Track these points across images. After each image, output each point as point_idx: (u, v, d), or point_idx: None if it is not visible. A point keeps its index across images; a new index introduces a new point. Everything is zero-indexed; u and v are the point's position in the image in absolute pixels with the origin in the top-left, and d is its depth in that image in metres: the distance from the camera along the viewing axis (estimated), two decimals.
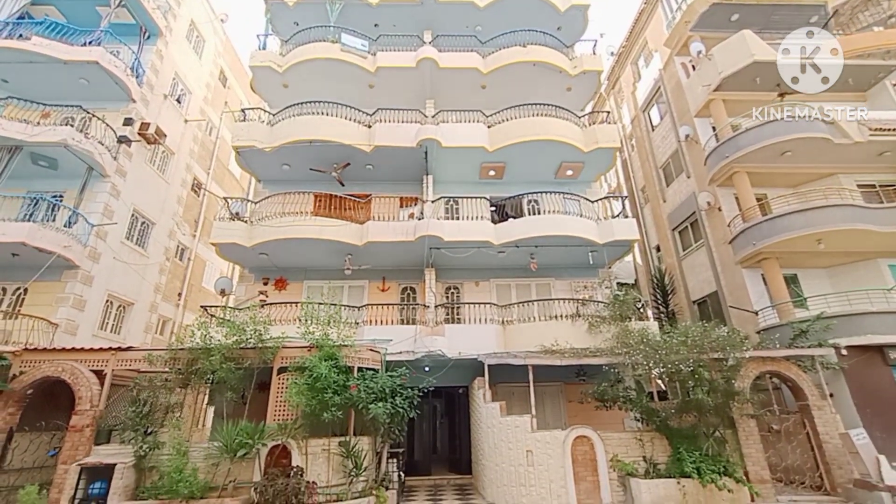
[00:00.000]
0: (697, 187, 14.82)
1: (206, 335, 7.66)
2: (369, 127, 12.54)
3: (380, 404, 7.34)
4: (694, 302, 15.25)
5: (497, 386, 10.51)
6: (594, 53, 14.20)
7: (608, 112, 13.80)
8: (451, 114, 13.04)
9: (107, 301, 12.14)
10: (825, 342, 10.05)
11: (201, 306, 10.72)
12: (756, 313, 12.31)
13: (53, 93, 12.47)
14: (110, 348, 8.25)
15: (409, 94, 13.96)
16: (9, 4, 13.52)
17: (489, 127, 12.74)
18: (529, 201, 13.11)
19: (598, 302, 11.05)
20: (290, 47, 14.06)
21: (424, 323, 10.50)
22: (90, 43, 12.62)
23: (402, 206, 12.79)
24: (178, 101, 15.87)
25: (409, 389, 8.27)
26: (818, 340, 10.14)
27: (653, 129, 17.98)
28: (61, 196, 12.06)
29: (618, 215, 12.46)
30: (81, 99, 12.57)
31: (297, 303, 10.21)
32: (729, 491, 6.96)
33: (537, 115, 12.53)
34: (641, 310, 11.01)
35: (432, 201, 11.90)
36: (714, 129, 14.35)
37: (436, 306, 11.01)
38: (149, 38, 14.56)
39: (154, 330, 14.27)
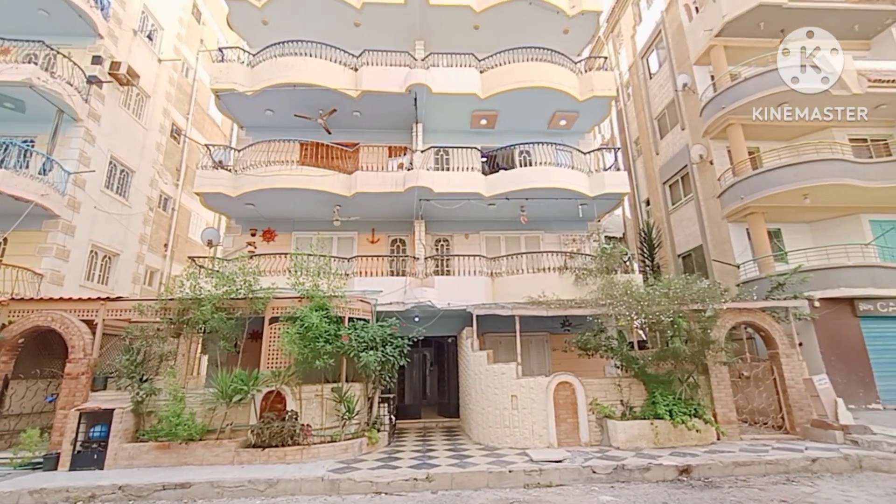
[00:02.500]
0: (691, 140, 14.65)
1: (195, 286, 7.67)
2: (356, 70, 11.91)
3: (371, 353, 7.57)
4: (679, 256, 15.57)
5: (485, 336, 10.85)
6: None
7: (605, 58, 13.20)
8: (442, 57, 12.38)
9: (91, 251, 11.96)
10: (800, 294, 10.44)
11: (189, 257, 10.62)
12: (738, 267, 12.66)
13: (9, 26, 11.49)
14: (99, 298, 8.24)
15: (398, 34, 13.14)
16: None
17: (482, 72, 12.18)
18: (521, 153, 12.88)
19: (586, 255, 11.20)
20: None
21: (414, 275, 10.60)
22: None
23: (391, 156, 12.48)
24: (150, 37, 14.80)
25: (400, 339, 8.51)
26: (794, 293, 10.53)
27: (650, 78, 17.41)
28: (32, 141, 11.48)
29: (609, 168, 12.35)
30: (43, 33, 11.61)
31: (286, 254, 10.15)
32: (697, 431, 7.48)
33: (532, 59, 11.96)
34: (628, 263, 11.21)
35: (422, 151, 11.60)
36: (713, 77, 13.96)
37: (425, 258, 11.07)
38: None
39: (142, 280, 14.22)
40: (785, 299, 9.92)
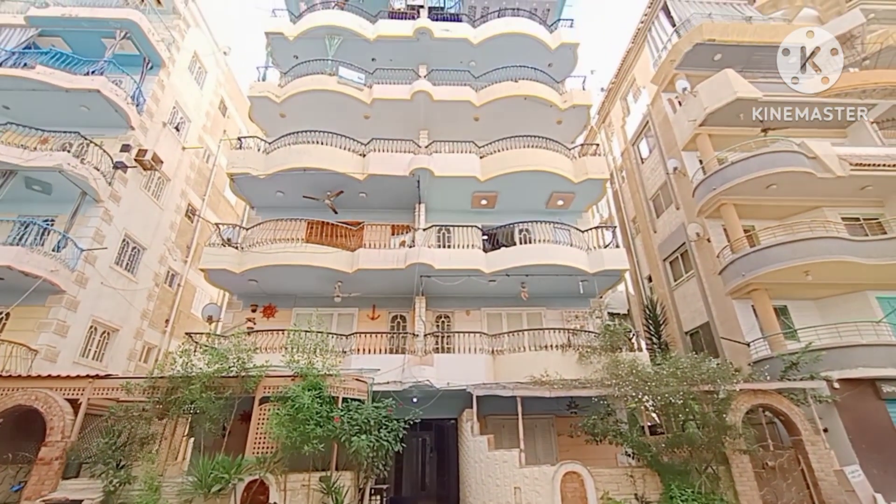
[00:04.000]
0: (686, 218, 15.04)
1: (187, 362, 7.51)
2: (363, 156, 12.76)
3: (363, 437, 7.13)
4: (686, 333, 15.18)
5: (486, 418, 10.28)
6: (584, 89, 14.69)
7: (597, 144, 14.16)
8: (444, 144, 13.31)
9: (91, 327, 11.94)
10: (816, 375, 9.96)
11: (186, 333, 10.54)
12: (748, 345, 12.25)
13: (54, 119, 12.64)
14: (87, 376, 8.05)
15: (404, 126, 14.28)
16: (17, 35, 13.96)
17: (481, 157, 12.99)
18: (521, 230, 13.21)
19: (589, 332, 10.97)
20: (289, 79, 14.47)
21: (413, 352, 10.35)
22: (93, 72, 12.95)
23: (393, 234, 12.87)
24: (177, 128, 16.15)
25: (396, 422, 8.07)
26: (809, 373, 10.05)
27: (642, 162, 18.40)
28: (53, 220, 12.05)
29: (608, 245, 12.57)
30: (81, 125, 12.70)
31: (283, 330, 10.04)
32: None
33: (529, 146, 12.82)
34: (633, 340, 10.93)
35: (424, 229, 11.98)
36: (701, 162, 14.70)
37: (425, 335, 10.88)
38: (151, 68, 14.95)
39: (138, 357, 13.97)
40: (801, 380, 9.45)
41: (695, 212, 14.50)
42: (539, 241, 11.88)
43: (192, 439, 9.98)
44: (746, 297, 12.92)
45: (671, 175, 15.88)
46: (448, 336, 11.52)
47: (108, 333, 12.76)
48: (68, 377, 8.09)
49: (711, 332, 13.85)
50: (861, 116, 14.70)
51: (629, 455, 8.42)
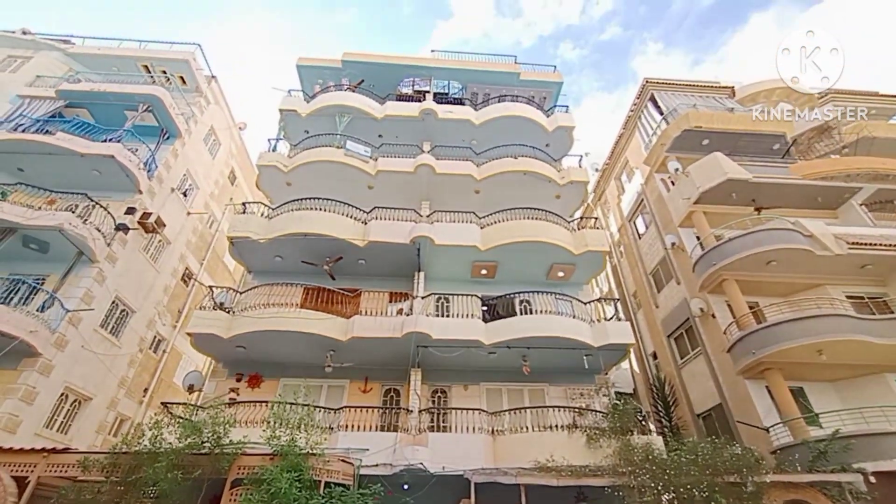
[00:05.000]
0: (688, 293, 14.83)
1: (157, 436, 6.79)
2: (364, 223, 12.88)
3: None
4: (698, 415, 14.21)
5: None
6: (580, 166, 15.32)
7: (596, 218, 14.43)
8: (445, 214, 13.51)
9: (62, 395, 11.13)
10: (849, 466, 9.08)
11: (162, 403, 9.75)
12: (767, 430, 11.36)
13: (64, 182, 12.89)
14: (43, 449, 7.24)
15: (407, 197, 14.63)
16: (45, 106, 14.84)
17: (482, 227, 13.11)
18: (521, 301, 12.93)
19: (597, 412, 10.21)
20: (298, 151, 15.13)
21: (406, 430, 9.51)
22: (110, 140, 13.54)
23: (391, 302, 12.54)
24: (185, 194, 16.54)
25: None
26: (840, 464, 9.17)
27: (639, 238, 18.64)
28: (43, 279, 11.80)
29: (611, 318, 12.20)
30: (90, 188, 12.95)
31: (266, 402, 9.26)
32: None
33: (529, 217, 13.01)
34: (643, 422, 10.13)
35: (422, 297, 11.70)
36: (698, 238, 14.85)
37: (420, 411, 10.10)
38: (168, 138, 15.70)
39: (108, 430, 12.86)
40: (833, 471, 8.57)
41: (696, 287, 14.33)
42: (540, 311, 11.55)
43: None
44: (760, 378, 12.26)
45: (669, 250, 15.97)
46: (444, 413, 10.70)
47: (80, 402, 11.86)
48: (20, 450, 7.26)
49: (725, 415, 12.95)
50: (850, 199, 15.19)
51: None
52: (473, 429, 9.89)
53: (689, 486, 6.89)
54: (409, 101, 16.98)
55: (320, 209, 12.79)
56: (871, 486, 9.22)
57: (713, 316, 13.69)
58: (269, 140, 15.37)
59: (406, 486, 8.73)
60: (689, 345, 15.03)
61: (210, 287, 11.60)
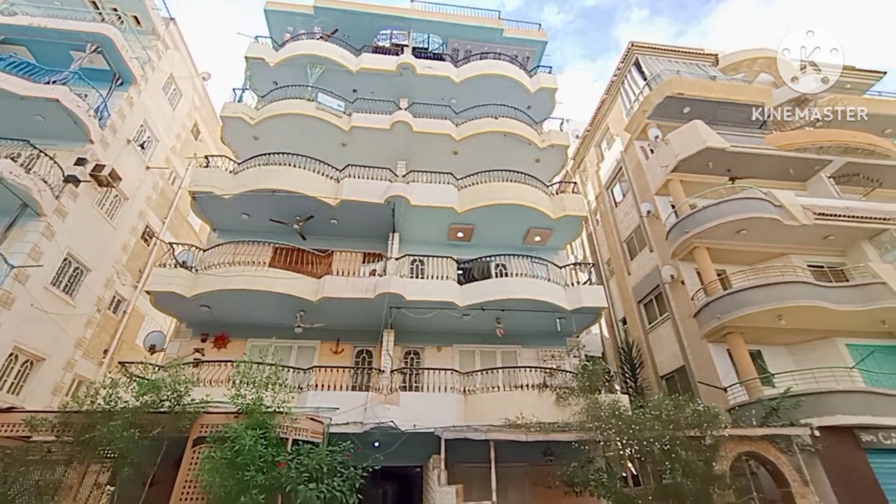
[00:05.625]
0: (661, 261, 15.08)
1: (111, 394, 6.44)
2: (337, 181, 12.33)
3: (312, 486, 6.12)
4: (662, 377, 14.79)
5: (455, 466, 9.28)
6: (561, 130, 15.00)
7: (575, 182, 14.27)
8: (422, 174, 13.08)
9: (11, 354, 10.51)
10: (797, 422, 9.62)
11: (119, 363, 9.31)
12: (725, 390, 11.91)
13: (2, 127, 11.68)
14: None
15: (382, 155, 14.03)
16: None
17: (459, 189, 12.77)
18: (497, 265, 12.84)
19: (567, 372, 10.39)
20: (266, 103, 14.19)
21: (378, 389, 9.46)
22: (54, 82, 12.27)
23: (364, 263, 12.23)
24: (142, 146, 15.41)
25: (353, 469, 7.08)
26: (790, 419, 9.71)
27: (616, 206, 18.71)
28: None
29: (585, 283, 12.30)
30: (33, 135, 11.80)
31: (231, 361, 8.94)
32: None
33: (508, 180, 12.72)
34: (611, 382, 10.40)
35: (396, 258, 11.42)
36: (673, 206, 14.97)
37: (392, 371, 10.04)
38: (121, 84, 14.38)
39: (65, 392, 12.35)
40: (782, 426, 9.06)
41: (668, 254, 14.57)
42: (516, 274, 11.48)
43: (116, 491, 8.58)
44: (721, 341, 12.75)
45: (645, 218, 16.09)
46: (417, 373, 10.69)
47: (32, 363, 11.27)
48: None
49: (687, 377, 13.50)
50: (819, 171, 15.52)
51: None
52: (445, 388, 9.93)
53: (651, 440, 7.13)
54: (385, 54, 16.05)
55: (290, 165, 12.12)
56: (815, 439, 9.85)
57: (682, 283, 14.01)
58: (234, 90, 14.34)
59: (377, 444, 8.74)
60: (658, 310, 15.44)
61: (171, 244, 10.95)
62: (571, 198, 13.08)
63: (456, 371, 10.44)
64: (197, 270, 10.47)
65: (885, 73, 19.23)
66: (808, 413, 10.20)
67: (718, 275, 13.58)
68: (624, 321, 17.77)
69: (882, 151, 15.48)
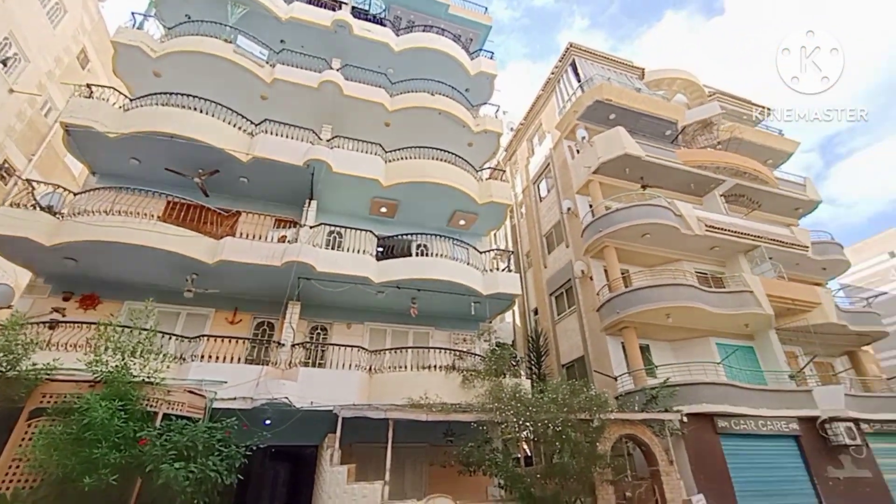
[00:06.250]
0: (574, 256, 15.88)
1: None
2: (251, 136, 11.15)
3: (179, 465, 5.40)
4: (563, 365, 15.70)
5: (354, 446, 8.99)
6: (497, 117, 14.98)
7: (504, 171, 14.39)
8: (349, 141, 12.31)
9: None
10: (670, 408, 10.69)
11: None
12: (616, 378, 12.91)
13: None
14: None
15: (306, 116, 12.96)
16: None
17: (387, 162, 12.22)
18: (419, 245, 12.57)
19: (476, 355, 10.51)
20: (174, 37, 12.35)
21: (275, 364, 8.77)
22: None
23: (276, 228, 11.27)
24: (4, 63, 12.70)
25: (235, 447, 6.42)
26: (665, 406, 10.76)
27: (541, 200, 19.36)
28: None
29: (503, 270, 12.50)
30: None
31: (93, 323, 7.57)
32: None
33: (438, 159, 12.42)
34: (516, 366, 10.72)
35: (311, 227, 10.65)
36: (591, 206, 15.80)
37: (293, 345, 9.38)
38: None
39: None
40: (658, 412, 9.99)
41: (582, 251, 15.38)
42: (437, 255, 11.30)
43: None
44: (618, 335, 13.78)
45: (565, 215, 16.82)
46: (322, 349, 10.12)
47: None
48: None
49: (586, 366, 14.45)
50: (714, 189, 17.31)
51: (501, 487, 7.86)
52: (350, 366, 9.50)
53: (545, 422, 7.41)
54: (321, 6, 14.79)
55: (196, 110, 10.69)
56: (683, 424, 11.04)
57: (591, 278, 14.88)
58: (133, 14, 12.25)
59: (268, 422, 8.11)
60: (567, 303, 16.30)
61: (28, 181, 9.08)
62: (499, 185, 13.17)
63: (364, 349, 10.06)
64: (63, 216, 8.83)
65: (772, 109, 21.91)
66: (680, 401, 11.39)
67: (622, 273, 14.63)
68: (535, 311, 18.57)
69: (763, 178, 17.66)
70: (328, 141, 12.09)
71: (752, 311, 13.55)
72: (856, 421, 12.59)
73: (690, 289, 13.30)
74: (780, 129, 20.93)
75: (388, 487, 6.92)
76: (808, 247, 16.65)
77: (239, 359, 8.97)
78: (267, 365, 8.87)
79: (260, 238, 10.19)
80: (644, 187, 16.44)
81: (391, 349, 10.26)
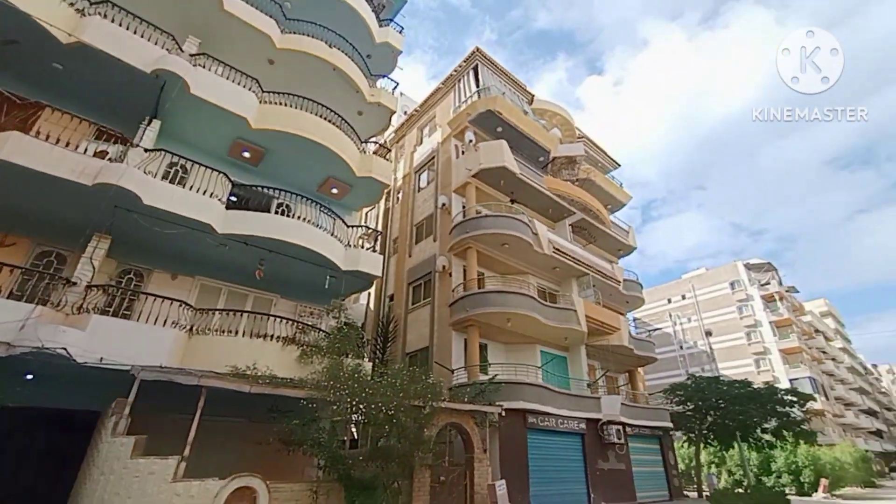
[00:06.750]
0: (439, 251, 16.34)
1: None
2: (82, 14, 8.61)
3: None
4: (408, 353, 16.03)
5: (157, 418, 7.56)
6: (393, 94, 14.50)
7: (389, 149, 13.98)
8: (219, 66, 10.47)
9: None
10: (494, 402, 11.73)
11: None
12: (452, 371, 13.67)
13: None
14: None
15: (169, 19, 10.57)
16: None
17: (261, 102, 10.74)
18: (281, 204, 11.37)
19: (322, 331, 9.92)
20: None
21: (57, 306, 6.87)
22: None
23: (96, 140, 8.92)
24: None
25: None
26: (490, 400, 11.77)
27: (419, 190, 19.49)
28: None
29: (367, 249, 12.13)
30: None
31: None
32: None
33: (321, 115, 11.39)
34: (361, 349, 10.46)
35: (148, 150, 8.71)
36: (464, 206, 16.49)
37: (89, 286, 7.50)
38: None
39: None
40: (483, 405, 10.85)
41: (447, 247, 15.91)
42: (299, 217, 10.33)
43: None
44: (463, 331, 14.62)
45: (439, 210, 17.21)
46: (131, 297, 8.33)
47: None
48: None
49: (428, 356, 14.97)
50: (566, 218, 19.73)
51: (320, 468, 7.51)
52: (166, 322, 8.02)
53: (380, 405, 7.31)
54: None
55: None
56: (501, 417, 12.24)
57: (450, 275, 15.49)
58: None
59: (29, 376, 6.30)
60: (424, 294, 16.68)
61: None
62: (382, 163, 12.75)
63: (188, 305, 8.60)
64: None
65: (619, 164, 26.13)
66: (503, 397, 12.60)
67: (479, 275, 15.60)
68: (391, 298, 18.61)
69: (602, 218, 20.84)
70: (192, 56, 10.07)
71: (573, 327, 15.75)
72: (623, 425, 15.66)
73: (532, 300, 14.83)
74: (621, 182, 25.01)
75: (186, 464, 5.95)
76: (620, 282, 20.16)
77: (1, 290, 6.78)
78: (45, 305, 6.89)
79: (68, 146, 7.91)
80: (513, 202, 17.86)
81: (224, 310, 8.99)
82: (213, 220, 8.85)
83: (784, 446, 21.28)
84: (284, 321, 9.45)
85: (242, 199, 10.66)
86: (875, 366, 75.73)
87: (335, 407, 7.78)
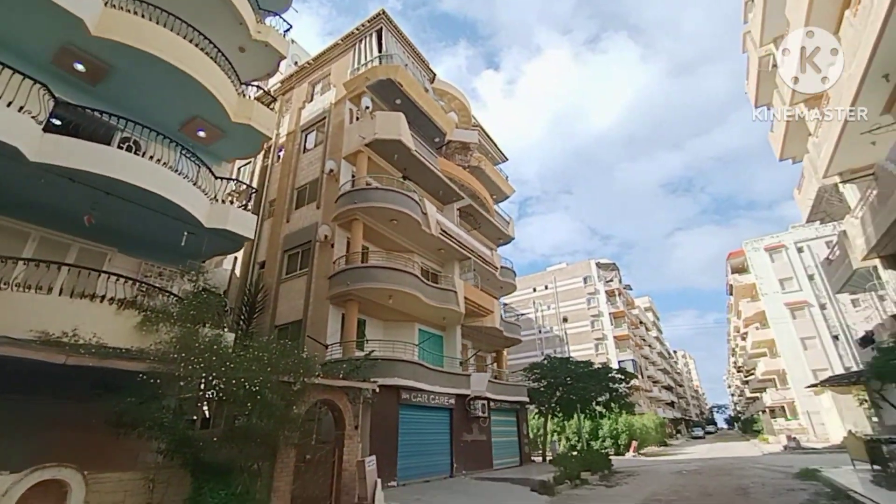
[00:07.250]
0: (322, 219, 15.28)
1: None
2: None
3: None
4: (277, 326, 14.79)
5: None
6: (284, 37, 12.84)
7: (275, 99, 12.39)
8: None
9: None
10: (369, 378, 11.48)
11: None
12: (327, 346, 13.01)
13: None
14: None
15: None
16: None
17: (107, 6, 8.47)
18: (127, 139, 9.21)
19: (172, 294, 8.40)
20: None
21: None
22: None
23: None
24: None
25: None
26: (365, 377, 11.48)
27: (304, 151, 17.91)
28: None
29: (240, 206, 10.65)
30: None
31: None
32: None
33: (190, 40, 9.47)
34: (222, 318, 9.18)
35: None
36: (353, 176, 15.65)
37: None
38: None
39: None
40: (357, 381, 10.51)
41: (332, 216, 14.96)
42: (153, 158, 8.48)
43: None
44: (341, 306, 13.99)
45: (325, 175, 16.05)
46: None
47: None
48: None
49: (300, 330, 14.01)
50: (455, 202, 20.19)
51: (161, 453, 6.34)
52: None
53: (242, 380, 6.44)
54: None
55: None
56: (375, 393, 12.05)
57: (332, 246, 14.62)
58: None
59: None
60: (300, 264, 15.49)
61: None
62: (263, 111, 11.21)
63: None
64: None
65: (507, 158, 27.70)
66: (378, 373, 12.41)
67: (364, 249, 15.03)
68: (262, 265, 16.90)
69: (488, 207, 21.88)
70: None
71: (452, 307, 16.26)
72: (489, 400, 16.87)
73: (415, 278, 14.84)
74: (507, 176, 26.57)
75: None
76: (498, 269, 21.51)
77: None
78: None
79: None
80: (405, 178, 17.55)
81: (31, 260, 6.97)
82: (25, 143, 6.70)
83: (610, 416, 25.66)
84: (122, 280, 7.73)
85: (71, 124, 8.37)
86: (675, 351, 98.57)
87: (184, 383, 6.63)
